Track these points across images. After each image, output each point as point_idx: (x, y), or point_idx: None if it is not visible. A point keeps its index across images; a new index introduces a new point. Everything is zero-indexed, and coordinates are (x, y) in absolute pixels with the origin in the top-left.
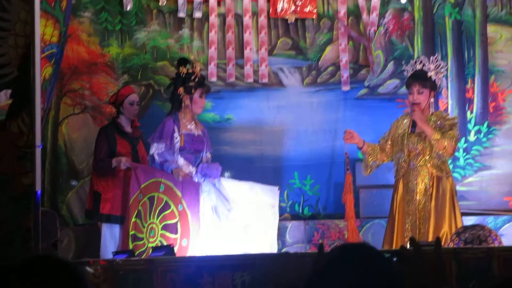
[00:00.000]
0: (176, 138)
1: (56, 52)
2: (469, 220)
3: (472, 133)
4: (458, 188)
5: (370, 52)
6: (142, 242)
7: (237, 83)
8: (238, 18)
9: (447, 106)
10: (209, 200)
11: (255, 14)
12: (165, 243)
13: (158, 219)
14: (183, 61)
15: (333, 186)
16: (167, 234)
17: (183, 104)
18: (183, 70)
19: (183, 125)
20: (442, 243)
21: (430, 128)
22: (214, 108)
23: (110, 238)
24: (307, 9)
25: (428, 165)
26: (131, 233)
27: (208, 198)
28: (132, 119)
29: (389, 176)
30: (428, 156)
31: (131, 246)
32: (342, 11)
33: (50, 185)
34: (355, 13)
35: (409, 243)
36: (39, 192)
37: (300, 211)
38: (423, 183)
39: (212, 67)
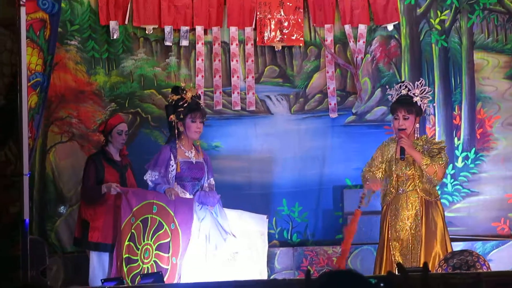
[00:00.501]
0: (172, 165)
1: (41, 81)
2: (457, 246)
3: (460, 159)
4: (446, 214)
5: (358, 79)
6: (136, 264)
7: (225, 110)
8: (225, 46)
9: (435, 133)
10: (203, 228)
11: (242, 42)
12: (160, 263)
13: (152, 239)
14: (175, 90)
15: (321, 212)
16: (161, 253)
17: (177, 132)
18: (173, 97)
19: (181, 152)
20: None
21: (418, 154)
22: (201, 135)
23: (98, 266)
24: (294, 37)
25: (418, 190)
26: (124, 256)
27: (203, 225)
28: (120, 148)
29: (377, 202)
30: (418, 181)
31: (125, 269)
32: (329, 38)
33: (38, 213)
34: (342, 41)
35: (397, 269)
36: (27, 220)
37: (289, 237)
38: (414, 208)
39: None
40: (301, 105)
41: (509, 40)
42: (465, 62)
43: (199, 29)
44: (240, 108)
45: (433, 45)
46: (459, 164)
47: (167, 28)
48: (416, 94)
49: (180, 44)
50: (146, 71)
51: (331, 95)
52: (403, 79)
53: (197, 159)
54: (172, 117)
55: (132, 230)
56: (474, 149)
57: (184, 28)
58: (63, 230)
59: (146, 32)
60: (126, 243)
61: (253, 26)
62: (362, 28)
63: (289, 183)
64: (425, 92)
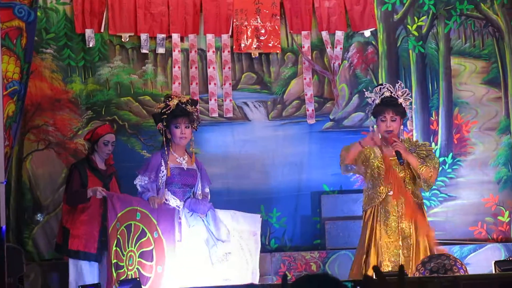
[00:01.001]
0: (162, 171)
1: (18, 89)
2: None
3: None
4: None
5: (335, 86)
6: (122, 270)
7: (202, 117)
8: (202, 53)
9: (412, 138)
10: (197, 234)
11: (219, 49)
12: (142, 271)
13: (135, 246)
14: (165, 98)
15: (299, 218)
16: (143, 261)
17: (165, 139)
18: (159, 106)
19: (172, 158)
20: None
21: (414, 157)
22: None
23: (76, 273)
24: (270, 44)
25: (409, 192)
26: (113, 261)
27: (195, 231)
28: (106, 157)
29: (355, 207)
30: (409, 185)
31: (114, 275)
32: (306, 45)
33: (15, 220)
34: (319, 47)
35: (374, 273)
36: (4, 227)
37: (267, 243)
38: (407, 210)
39: None
40: (278, 112)
41: (486, 45)
42: (442, 68)
43: (175, 36)
44: (217, 115)
45: (410, 51)
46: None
47: (143, 36)
48: (398, 96)
49: (157, 52)
50: (122, 78)
51: (309, 101)
52: None
53: (189, 165)
54: (160, 125)
55: (118, 236)
56: (451, 154)
57: (160, 36)
58: (40, 237)
59: (122, 39)
60: (114, 248)
61: (230, 33)
62: (339, 34)
63: (267, 189)
64: (406, 94)
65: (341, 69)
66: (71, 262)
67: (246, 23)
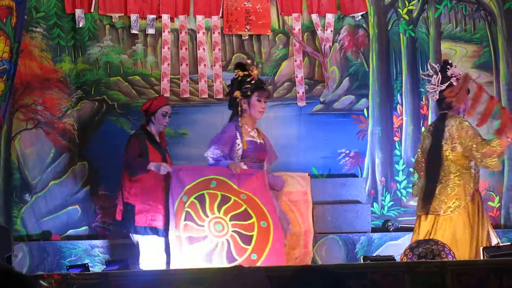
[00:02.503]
0: (238, 144)
1: (8, 68)
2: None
3: None
4: (412, 203)
5: (326, 68)
6: (207, 239)
7: (192, 98)
8: (192, 34)
9: (402, 122)
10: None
11: (209, 30)
12: (243, 231)
13: (221, 212)
14: (241, 66)
15: None
16: (240, 222)
17: (240, 109)
18: (240, 73)
19: (245, 131)
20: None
21: None
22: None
23: (147, 249)
24: (260, 26)
25: None
26: (184, 237)
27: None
28: (161, 130)
29: (343, 192)
30: None
31: (191, 248)
32: (297, 27)
33: (3, 200)
34: (310, 29)
35: None
36: None
37: None
38: None
39: (165, 83)
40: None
41: (477, 29)
42: (433, 52)
43: (165, 17)
44: (207, 96)
45: (401, 35)
46: None
47: (133, 17)
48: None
49: (147, 32)
50: (112, 58)
51: (299, 83)
52: (371, 69)
53: (259, 140)
54: (237, 93)
55: (187, 209)
56: None
57: (150, 17)
58: (28, 217)
59: (112, 20)
60: (183, 222)
61: (220, 14)
62: (330, 17)
63: None
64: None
65: (332, 51)
66: (140, 238)
67: (236, 5)
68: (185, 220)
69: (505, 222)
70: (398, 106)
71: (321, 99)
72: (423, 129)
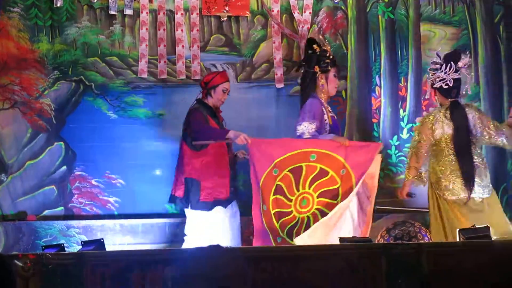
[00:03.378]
0: (325, 120)
1: None
2: (399, 217)
3: (405, 130)
4: (390, 185)
5: (303, 51)
6: (291, 216)
7: (170, 79)
8: (170, 15)
9: (380, 104)
10: None
11: (188, 11)
12: (325, 210)
13: (312, 188)
14: (313, 41)
15: None
16: (327, 200)
17: (317, 84)
18: (317, 48)
19: (325, 106)
20: None
21: None
22: (146, 103)
23: (211, 224)
24: (239, 7)
25: None
26: (273, 211)
27: None
28: (218, 106)
29: None
30: None
31: (277, 225)
32: (276, 9)
33: None
34: (289, 11)
35: None
36: None
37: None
38: None
39: (143, 64)
40: (247, 74)
41: (456, 12)
42: (412, 34)
43: None
44: (185, 77)
45: (380, 17)
46: (404, 135)
47: None
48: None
49: (125, 13)
50: (89, 39)
51: (278, 65)
52: (349, 51)
53: (332, 114)
54: (317, 68)
55: (278, 183)
56: None
57: None
58: (4, 197)
59: (90, 0)
60: (272, 197)
61: None
62: None
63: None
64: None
65: (310, 33)
66: (204, 214)
67: None
68: (274, 194)
69: None
70: (377, 88)
71: (299, 81)
72: (401, 111)
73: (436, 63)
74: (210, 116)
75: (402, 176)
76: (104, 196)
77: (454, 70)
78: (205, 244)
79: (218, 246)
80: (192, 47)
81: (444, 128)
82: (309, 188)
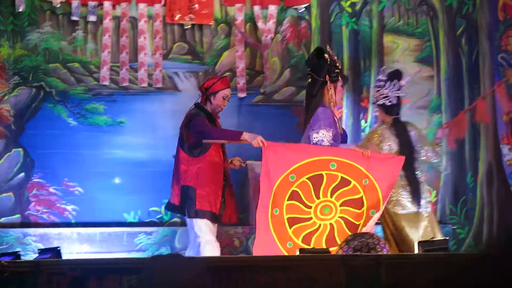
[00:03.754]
0: (337, 128)
1: None
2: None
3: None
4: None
5: (266, 60)
6: (310, 222)
7: (131, 86)
8: (134, 22)
9: (342, 115)
10: None
11: (151, 19)
12: (350, 218)
13: (334, 196)
14: (322, 50)
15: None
16: (351, 209)
17: (326, 93)
18: (328, 57)
19: (336, 115)
20: None
21: None
22: (106, 111)
23: (203, 234)
24: (203, 15)
25: None
26: (286, 217)
27: None
28: (217, 112)
29: None
30: None
31: (289, 230)
32: (240, 18)
33: None
34: (252, 20)
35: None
36: None
37: None
38: None
39: (104, 71)
40: None
41: (420, 24)
42: (375, 45)
43: (107, 4)
44: (146, 85)
45: (343, 28)
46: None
47: (75, 3)
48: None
49: (88, 20)
50: (51, 44)
51: (240, 74)
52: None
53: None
54: (327, 77)
55: (295, 188)
56: None
57: (92, 3)
58: None
59: (53, 5)
60: (287, 202)
61: (162, 3)
62: (272, 8)
63: None
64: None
65: (273, 43)
66: (198, 222)
67: None
68: (289, 199)
69: (441, 218)
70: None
71: (262, 90)
72: (363, 122)
73: (380, 80)
74: (208, 122)
75: None
76: (61, 204)
77: (397, 88)
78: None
79: (177, 255)
80: (154, 54)
81: (391, 145)
82: (331, 197)
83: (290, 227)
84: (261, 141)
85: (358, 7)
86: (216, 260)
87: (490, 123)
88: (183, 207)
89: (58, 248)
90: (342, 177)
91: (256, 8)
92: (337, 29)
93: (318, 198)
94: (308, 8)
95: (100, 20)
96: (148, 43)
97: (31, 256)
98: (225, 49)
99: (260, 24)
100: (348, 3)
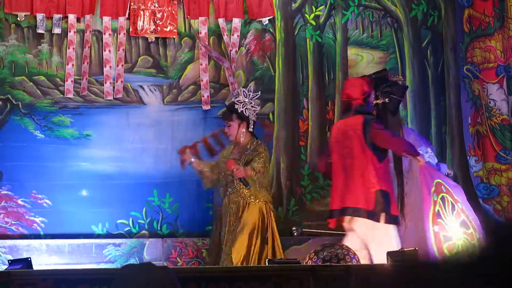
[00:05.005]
0: None
1: None
2: (328, 239)
3: None
4: (317, 208)
5: (230, 74)
6: (452, 242)
7: (97, 99)
8: (98, 35)
9: (308, 127)
10: None
11: (115, 31)
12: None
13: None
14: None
15: (192, 204)
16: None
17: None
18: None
19: None
20: None
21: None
22: (73, 124)
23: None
24: (167, 29)
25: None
26: (442, 234)
27: None
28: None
29: None
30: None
31: (444, 246)
32: (204, 31)
33: None
34: (216, 33)
35: None
36: None
37: (159, 228)
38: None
39: (69, 84)
40: (174, 96)
41: (384, 36)
42: (339, 58)
43: (71, 17)
44: (112, 98)
45: (308, 40)
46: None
47: (39, 16)
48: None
49: (53, 32)
50: (17, 57)
51: (204, 87)
52: (277, 73)
53: None
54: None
55: (435, 206)
56: None
57: (56, 16)
58: None
59: (18, 18)
60: (438, 220)
61: (127, 16)
62: (236, 21)
63: (161, 174)
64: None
65: (238, 55)
66: (390, 228)
67: (143, 7)
68: (438, 217)
69: None
70: (304, 111)
71: (227, 103)
72: (328, 134)
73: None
74: None
75: (329, 199)
76: (30, 216)
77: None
78: None
79: (149, 264)
80: (117, 66)
81: None
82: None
83: (443, 244)
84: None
85: (322, 19)
86: (187, 270)
87: (456, 135)
88: (376, 212)
89: (29, 259)
90: (450, 200)
91: (221, 21)
92: (302, 42)
93: (445, 217)
94: (272, 21)
95: (65, 33)
96: (113, 56)
97: (1, 267)
98: (189, 62)
99: (225, 37)
100: (312, 15)
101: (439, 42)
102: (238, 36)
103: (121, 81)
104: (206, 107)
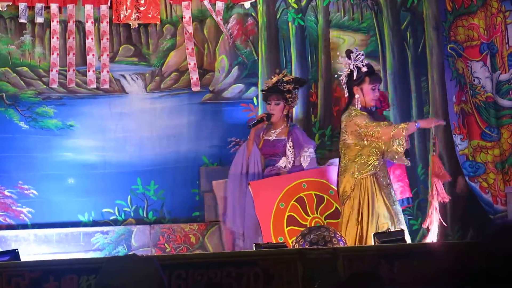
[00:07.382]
0: None
1: None
2: None
3: (317, 136)
4: None
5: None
6: None
7: (80, 90)
8: (80, 25)
9: (292, 110)
10: None
11: (97, 21)
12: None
13: (318, 212)
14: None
15: (178, 190)
16: (333, 221)
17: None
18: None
19: None
20: None
21: None
22: (56, 114)
23: None
24: (150, 15)
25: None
26: (290, 241)
27: None
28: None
29: None
30: None
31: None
32: (187, 15)
33: None
34: (199, 18)
35: None
36: None
37: (145, 215)
38: None
39: (54, 74)
40: (157, 84)
41: (364, 18)
42: (322, 41)
43: (54, 7)
44: (95, 87)
45: (290, 24)
46: (316, 141)
47: (22, 6)
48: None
49: (35, 21)
50: (0, 48)
51: (193, 70)
52: (260, 57)
53: None
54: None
55: (289, 213)
56: (330, 126)
57: (39, 6)
58: None
59: (0, 9)
60: (287, 228)
61: (109, 4)
62: (220, 5)
63: (145, 162)
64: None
65: (221, 40)
66: None
67: None
68: (288, 225)
69: None
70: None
71: (211, 88)
72: (312, 117)
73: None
74: None
75: None
76: (17, 207)
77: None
78: None
79: (133, 255)
80: (101, 56)
81: None
82: (317, 213)
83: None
84: None
85: (303, 2)
86: (172, 258)
87: (441, 114)
88: None
89: (16, 250)
90: (315, 194)
91: (206, 2)
92: (284, 25)
93: (308, 216)
94: (254, 5)
95: (47, 23)
96: (95, 45)
97: None
98: (171, 49)
99: (215, 17)
100: None
101: (419, 23)
102: (221, 19)
103: (107, 71)
104: (196, 89)
